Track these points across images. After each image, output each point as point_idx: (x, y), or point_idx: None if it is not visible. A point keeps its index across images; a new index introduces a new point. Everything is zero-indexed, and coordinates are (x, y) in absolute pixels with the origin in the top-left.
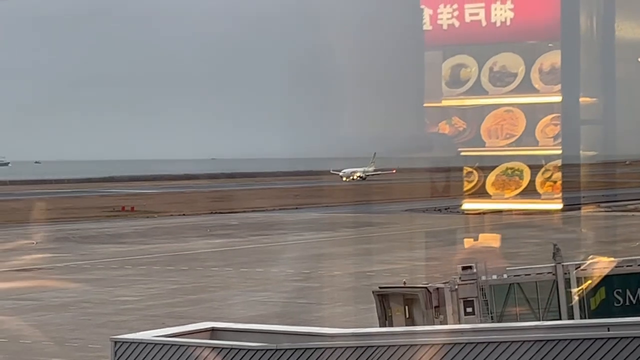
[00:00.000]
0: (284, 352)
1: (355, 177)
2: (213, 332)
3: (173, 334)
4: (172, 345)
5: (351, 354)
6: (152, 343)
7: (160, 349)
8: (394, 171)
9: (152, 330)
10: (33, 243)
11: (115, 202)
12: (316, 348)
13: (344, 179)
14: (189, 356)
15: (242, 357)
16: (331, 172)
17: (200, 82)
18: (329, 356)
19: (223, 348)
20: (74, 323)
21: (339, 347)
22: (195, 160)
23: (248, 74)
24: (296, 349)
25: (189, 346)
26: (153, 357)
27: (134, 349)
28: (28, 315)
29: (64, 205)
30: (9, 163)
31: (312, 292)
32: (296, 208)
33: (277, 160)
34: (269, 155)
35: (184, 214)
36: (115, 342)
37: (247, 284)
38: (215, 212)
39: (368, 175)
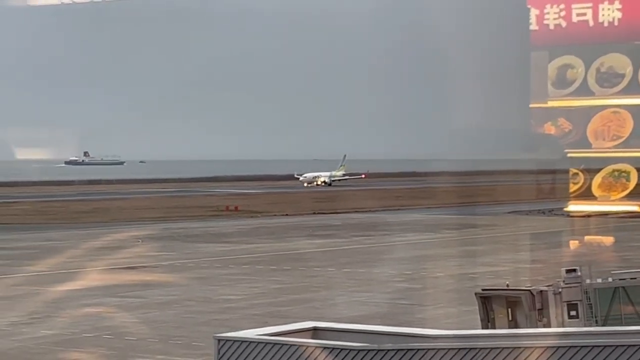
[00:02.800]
0: (386, 353)
1: (319, 183)
2: (315, 332)
3: (275, 332)
4: (275, 344)
5: (454, 356)
6: (255, 341)
7: (263, 347)
8: (364, 176)
9: (255, 329)
10: (139, 241)
11: (220, 202)
12: (418, 349)
13: (305, 184)
14: (291, 355)
15: (344, 357)
16: (295, 176)
17: (303, 83)
18: (431, 357)
19: (325, 347)
20: (178, 321)
21: (441, 349)
22: (298, 160)
23: (353, 74)
24: (398, 350)
25: (291, 345)
26: (256, 356)
27: (237, 347)
28: (133, 312)
29: (169, 204)
30: (124, 162)
31: (414, 293)
32: (398, 209)
33: (380, 161)
34: (373, 156)
35: (287, 214)
36: (219, 340)
37: (349, 284)
38: (318, 213)
39: (335, 181)
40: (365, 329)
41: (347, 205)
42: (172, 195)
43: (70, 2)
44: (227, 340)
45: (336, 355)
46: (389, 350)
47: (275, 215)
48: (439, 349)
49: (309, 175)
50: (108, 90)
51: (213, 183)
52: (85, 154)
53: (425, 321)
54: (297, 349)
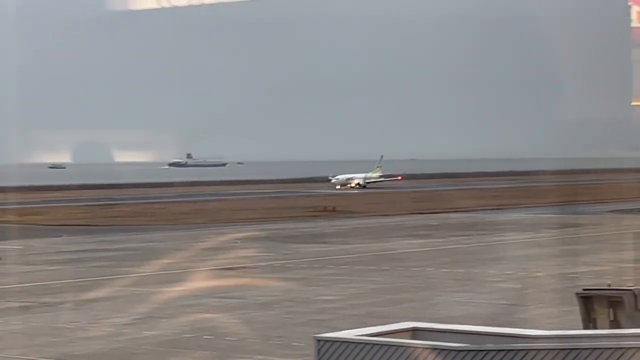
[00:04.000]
0: (486, 353)
1: (353, 185)
2: (414, 332)
3: (374, 333)
4: (375, 344)
5: (555, 356)
6: (354, 342)
7: (363, 347)
8: (400, 178)
9: (354, 330)
10: (237, 242)
11: (317, 202)
12: (519, 349)
13: (338, 186)
14: (391, 355)
15: (444, 357)
16: (329, 178)
17: (397, 82)
18: (533, 358)
19: (425, 348)
20: (277, 321)
21: (543, 349)
22: (394, 160)
23: (449, 73)
24: (499, 350)
25: (391, 345)
26: (356, 356)
27: (337, 348)
28: (233, 313)
29: (268, 205)
30: (226, 163)
31: (514, 293)
32: (497, 208)
33: (478, 161)
34: (471, 155)
35: (385, 214)
36: (319, 341)
37: (448, 285)
38: (416, 213)
39: (369, 183)
40: (465, 329)
41: (445, 205)
42: (270, 196)
43: (170, 6)
44: (326, 340)
45: (436, 355)
46: (489, 350)
47: (373, 215)
48: (540, 350)
49: (342, 177)
50: (207, 92)
51: (311, 184)
52: (189, 155)
53: (526, 321)
54: (397, 349)
